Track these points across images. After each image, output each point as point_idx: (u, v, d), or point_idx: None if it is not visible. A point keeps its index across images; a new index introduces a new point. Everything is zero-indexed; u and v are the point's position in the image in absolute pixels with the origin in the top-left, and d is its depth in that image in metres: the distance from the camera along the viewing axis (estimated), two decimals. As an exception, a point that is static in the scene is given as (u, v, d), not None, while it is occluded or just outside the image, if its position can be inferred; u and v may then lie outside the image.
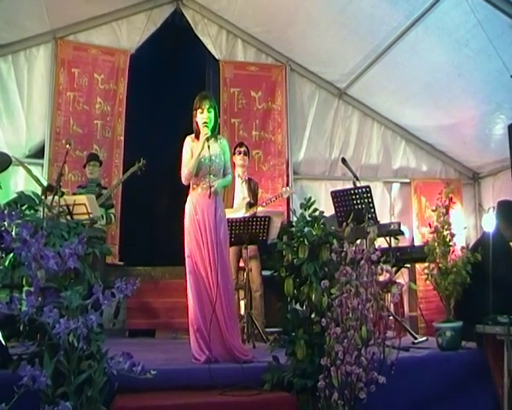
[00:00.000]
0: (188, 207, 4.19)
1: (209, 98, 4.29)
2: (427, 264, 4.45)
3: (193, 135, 4.29)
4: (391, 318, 4.93)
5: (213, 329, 3.96)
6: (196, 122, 4.25)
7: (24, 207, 3.17)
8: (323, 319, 3.08)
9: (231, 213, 5.44)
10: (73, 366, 2.50)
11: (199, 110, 4.22)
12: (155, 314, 6.55)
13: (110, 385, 2.77)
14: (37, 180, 5.41)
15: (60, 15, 6.80)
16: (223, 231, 4.16)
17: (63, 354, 2.48)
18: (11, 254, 2.88)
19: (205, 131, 4.16)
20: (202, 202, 4.13)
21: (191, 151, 4.20)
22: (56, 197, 4.41)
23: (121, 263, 6.77)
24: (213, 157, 4.18)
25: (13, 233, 2.66)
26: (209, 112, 4.21)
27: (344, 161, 5.65)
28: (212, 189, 4.11)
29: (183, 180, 4.21)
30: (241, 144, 6.02)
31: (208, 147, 4.12)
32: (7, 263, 2.93)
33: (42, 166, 6.69)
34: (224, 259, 4.10)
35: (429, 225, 4.57)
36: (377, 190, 7.63)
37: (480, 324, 4.12)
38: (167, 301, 6.57)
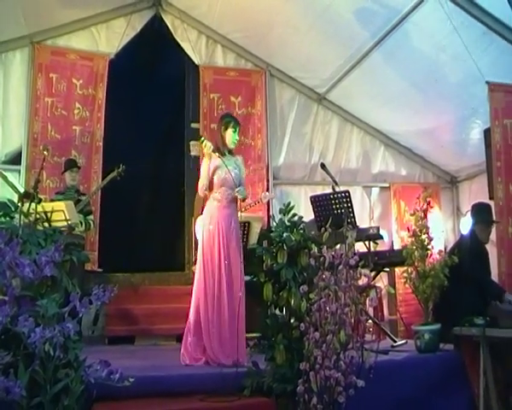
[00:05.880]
0: (203, 217, 4.44)
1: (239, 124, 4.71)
2: (405, 267, 4.50)
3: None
4: (370, 321, 4.97)
5: (214, 334, 4.12)
6: (222, 138, 4.51)
7: (-1, 215, 3.13)
8: (302, 324, 3.09)
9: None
10: (49, 375, 2.46)
11: (232, 129, 4.51)
12: (135, 321, 6.50)
13: (88, 394, 2.74)
14: (14, 187, 5.35)
15: (37, 19, 6.72)
16: (235, 241, 4.33)
17: (39, 364, 2.45)
18: (-15, 263, 2.83)
19: (232, 146, 4.56)
20: (217, 213, 4.35)
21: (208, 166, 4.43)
22: (33, 204, 4.36)
23: (100, 270, 6.71)
24: (231, 171, 4.40)
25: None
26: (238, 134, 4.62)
27: (323, 166, 5.69)
28: (240, 195, 4.43)
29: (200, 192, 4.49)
30: None
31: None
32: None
33: (19, 172, 6.59)
34: (234, 268, 4.24)
35: (408, 228, 4.61)
36: (357, 195, 7.65)
37: (458, 326, 4.18)
38: (147, 308, 6.54)
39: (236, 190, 4.43)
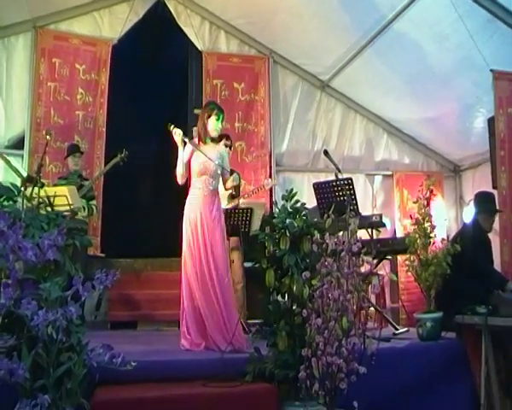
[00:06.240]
0: (186, 207, 4.41)
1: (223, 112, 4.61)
2: (408, 255, 4.49)
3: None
4: (372, 309, 4.98)
5: (210, 320, 4.15)
6: (205, 125, 4.44)
7: (2, 199, 3.12)
8: (304, 310, 3.09)
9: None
10: (52, 358, 2.47)
11: (215, 116, 4.44)
12: (137, 306, 6.53)
13: (91, 377, 2.75)
14: (17, 171, 5.35)
15: (40, 4, 6.69)
16: (218, 228, 4.33)
17: (42, 347, 2.45)
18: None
19: (214, 135, 4.49)
20: (199, 202, 4.34)
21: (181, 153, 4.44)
22: (36, 188, 4.36)
23: (103, 255, 6.73)
24: (213, 160, 4.38)
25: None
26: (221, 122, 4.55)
27: (326, 153, 5.67)
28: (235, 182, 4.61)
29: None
30: (227, 137, 5.97)
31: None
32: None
33: (22, 157, 6.60)
34: (217, 255, 4.25)
35: (410, 216, 4.61)
36: (359, 182, 7.66)
37: (460, 314, 4.18)
38: (149, 293, 6.57)
39: (232, 178, 4.50)
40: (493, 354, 3.99)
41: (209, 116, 4.46)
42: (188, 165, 4.43)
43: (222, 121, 4.55)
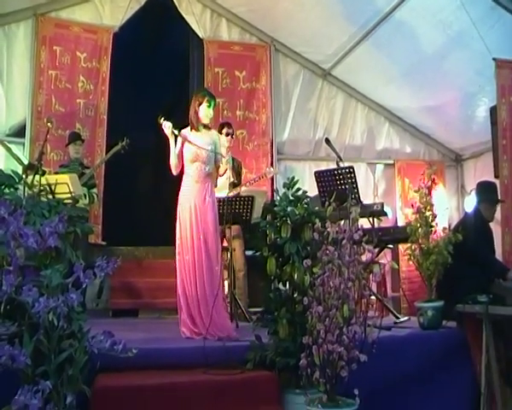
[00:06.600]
0: (180, 195, 4.44)
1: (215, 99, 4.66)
2: (409, 244, 4.49)
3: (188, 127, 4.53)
4: (373, 297, 4.99)
5: (196, 308, 4.17)
6: (196, 112, 4.46)
7: (3, 186, 3.12)
8: (305, 298, 3.10)
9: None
10: (54, 345, 2.48)
11: (206, 103, 4.44)
12: (139, 294, 6.55)
13: (92, 364, 2.75)
14: (18, 159, 5.35)
15: (40, -9, 6.66)
16: (210, 215, 4.34)
17: (43, 333, 2.46)
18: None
19: (206, 121, 4.49)
20: (191, 189, 4.37)
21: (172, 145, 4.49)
22: (37, 176, 4.36)
23: (104, 243, 6.74)
24: (205, 146, 4.39)
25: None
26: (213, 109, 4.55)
27: (327, 141, 5.65)
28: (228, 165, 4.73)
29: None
30: (229, 125, 5.96)
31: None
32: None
33: (23, 145, 6.58)
34: (209, 242, 4.27)
35: (412, 205, 4.60)
36: (361, 171, 7.65)
37: (461, 303, 4.19)
38: (151, 281, 6.58)
39: (224, 161, 4.57)
40: (494, 343, 4.00)
41: (200, 103, 4.46)
42: (180, 155, 4.45)
43: (213, 108, 4.56)
